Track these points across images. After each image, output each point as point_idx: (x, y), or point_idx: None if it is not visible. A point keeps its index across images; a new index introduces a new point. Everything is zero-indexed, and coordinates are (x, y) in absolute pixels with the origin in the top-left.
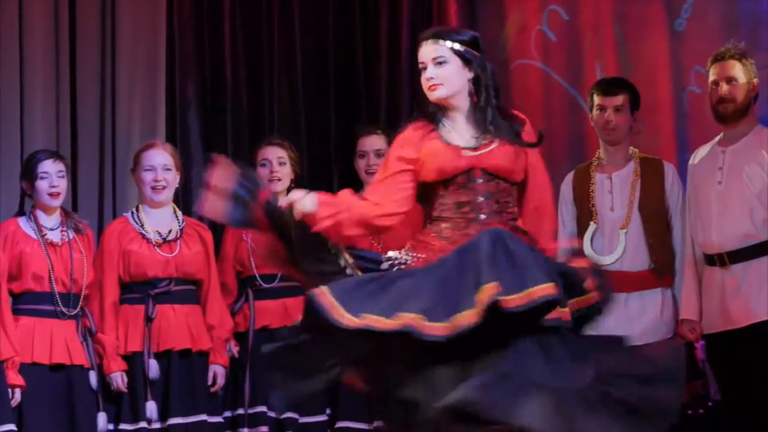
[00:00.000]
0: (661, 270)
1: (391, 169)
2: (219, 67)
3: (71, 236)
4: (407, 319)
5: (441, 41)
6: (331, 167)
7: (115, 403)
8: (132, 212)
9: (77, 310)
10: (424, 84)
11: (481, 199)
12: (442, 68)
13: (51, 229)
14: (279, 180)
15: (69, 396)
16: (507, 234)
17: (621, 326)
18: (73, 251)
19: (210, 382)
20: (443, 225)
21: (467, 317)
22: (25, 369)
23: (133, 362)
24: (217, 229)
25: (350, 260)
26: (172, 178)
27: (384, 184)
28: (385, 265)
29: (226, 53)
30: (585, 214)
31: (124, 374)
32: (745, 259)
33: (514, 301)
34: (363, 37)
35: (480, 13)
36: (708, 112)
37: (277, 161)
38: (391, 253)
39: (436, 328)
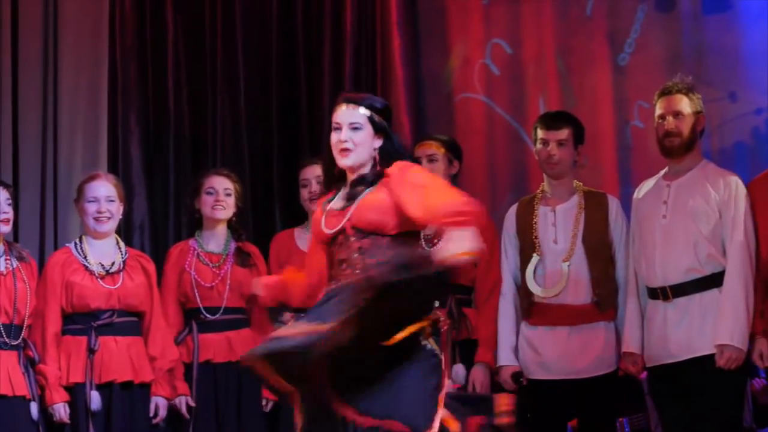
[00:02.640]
0: (603, 303)
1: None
2: (162, 97)
3: (15, 265)
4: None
5: (360, 107)
6: (273, 196)
7: None
8: (75, 243)
9: (19, 340)
10: (336, 144)
11: (355, 255)
12: (356, 134)
13: None
14: (223, 209)
15: (11, 427)
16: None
17: (564, 360)
18: (17, 281)
19: (152, 414)
20: (332, 282)
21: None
22: None
23: (75, 393)
24: (159, 260)
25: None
26: (116, 209)
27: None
28: None
29: (168, 83)
30: (528, 246)
31: (67, 405)
32: (688, 293)
33: None
34: (306, 68)
35: (424, 47)
36: (651, 146)
37: (224, 191)
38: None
39: None
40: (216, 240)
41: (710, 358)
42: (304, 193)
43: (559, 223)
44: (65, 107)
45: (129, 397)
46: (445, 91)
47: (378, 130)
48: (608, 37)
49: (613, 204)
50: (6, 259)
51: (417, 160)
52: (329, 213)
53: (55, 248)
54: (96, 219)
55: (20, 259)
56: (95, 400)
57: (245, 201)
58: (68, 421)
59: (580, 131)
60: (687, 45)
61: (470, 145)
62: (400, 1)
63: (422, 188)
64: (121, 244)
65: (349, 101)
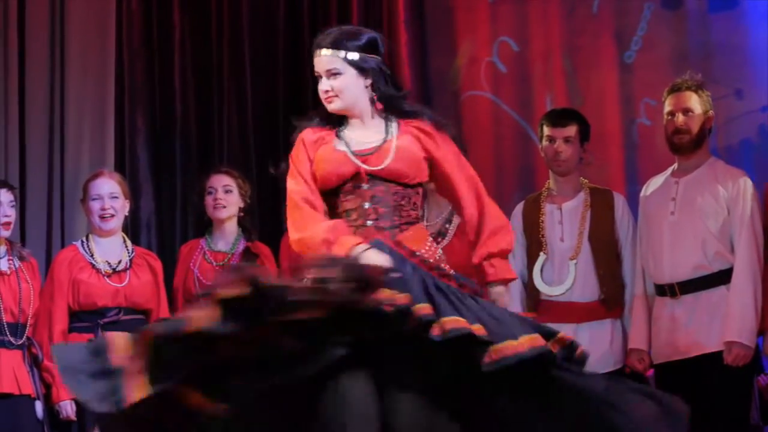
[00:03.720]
0: (610, 301)
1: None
2: (168, 97)
3: (17, 265)
4: None
5: (335, 51)
6: (280, 196)
7: None
8: (82, 241)
9: (24, 339)
10: (321, 95)
11: (367, 204)
12: (337, 80)
13: None
14: (224, 207)
15: (16, 426)
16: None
17: None
18: (21, 280)
19: None
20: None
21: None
22: None
23: None
24: (166, 259)
25: None
26: (120, 206)
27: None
28: None
29: (175, 83)
30: (535, 244)
31: (73, 402)
32: (695, 290)
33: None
34: (312, 68)
35: (431, 45)
36: (658, 143)
37: (223, 189)
38: None
39: None
40: (225, 239)
41: (718, 355)
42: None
43: (565, 221)
44: (72, 107)
45: None
46: (452, 89)
47: (362, 70)
48: (615, 35)
49: (620, 201)
50: (9, 259)
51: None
52: (337, 154)
53: (62, 247)
54: (101, 216)
55: (21, 258)
56: None
57: (252, 200)
58: (75, 419)
59: (586, 128)
60: (693, 43)
61: (477, 143)
62: None
63: (474, 182)
64: (128, 242)
65: (322, 46)
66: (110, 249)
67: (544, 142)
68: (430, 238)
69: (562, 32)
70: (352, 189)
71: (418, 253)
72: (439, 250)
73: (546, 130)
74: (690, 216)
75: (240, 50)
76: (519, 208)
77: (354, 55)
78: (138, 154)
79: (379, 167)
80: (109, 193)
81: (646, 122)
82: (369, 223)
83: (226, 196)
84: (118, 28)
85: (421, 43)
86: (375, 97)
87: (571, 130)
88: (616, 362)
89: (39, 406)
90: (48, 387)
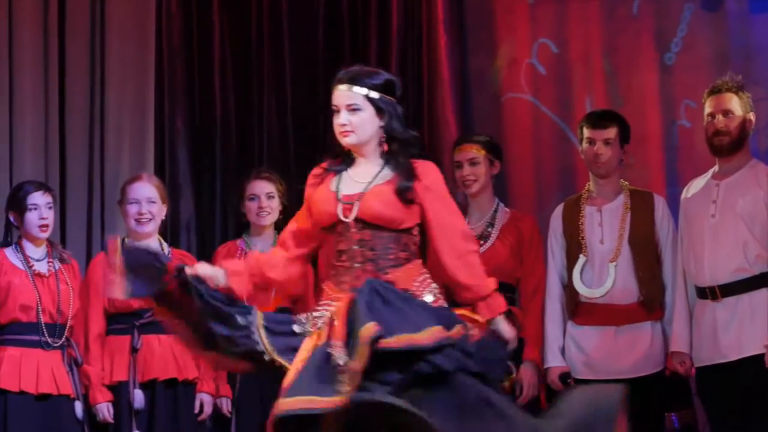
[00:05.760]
0: (650, 303)
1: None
2: (208, 97)
3: (57, 267)
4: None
5: (356, 87)
6: None
7: None
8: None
9: (63, 340)
10: (336, 128)
11: (355, 247)
12: (356, 115)
13: (38, 260)
14: (268, 214)
15: (55, 426)
16: (379, 283)
17: (610, 359)
18: (60, 282)
19: (197, 411)
20: (331, 272)
21: (355, 363)
22: (12, 399)
23: (119, 392)
24: (206, 260)
25: (259, 320)
26: (157, 211)
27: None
28: (296, 328)
29: (215, 84)
30: (574, 246)
31: (110, 405)
32: (736, 293)
33: (394, 342)
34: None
35: (470, 46)
36: (698, 145)
37: (266, 196)
38: (299, 317)
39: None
40: (263, 242)
41: (759, 358)
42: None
43: (605, 223)
44: (112, 109)
45: (173, 395)
46: (492, 91)
47: (379, 109)
48: (655, 37)
49: (660, 203)
50: (48, 261)
51: (424, 149)
52: (330, 195)
53: (102, 249)
54: (137, 220)
55: (62, 260)
56: (138, 398)
57: (291, 203)
58: (112, 421)
59: (626, 130)
60: (734, 44)
61: (517, 145)
62: (447, 0)
63: (462, 236)
64: (164, 244)
65: (344, 81)
66: None
67: (584, 144)
68: (423, 275)
69: (602, 34)
70: (342, 231)
71: (408, 292)
72: (433, 284)
73: (586, 132)
74: (731, 218)
75: (280, 51)
76: (559, 210)
77: (374, 94)
78: (178, 155)
79: (357, 215)
80: (147, 197)
81: (687, 124)
82: (356, 265)
83: (270, 203)
84: (158, 29)
85: (461, 45)
86: (383, 138)
87: (611, 132)
88: (657, 365)
89: (79, 407)
90: (86, 389)
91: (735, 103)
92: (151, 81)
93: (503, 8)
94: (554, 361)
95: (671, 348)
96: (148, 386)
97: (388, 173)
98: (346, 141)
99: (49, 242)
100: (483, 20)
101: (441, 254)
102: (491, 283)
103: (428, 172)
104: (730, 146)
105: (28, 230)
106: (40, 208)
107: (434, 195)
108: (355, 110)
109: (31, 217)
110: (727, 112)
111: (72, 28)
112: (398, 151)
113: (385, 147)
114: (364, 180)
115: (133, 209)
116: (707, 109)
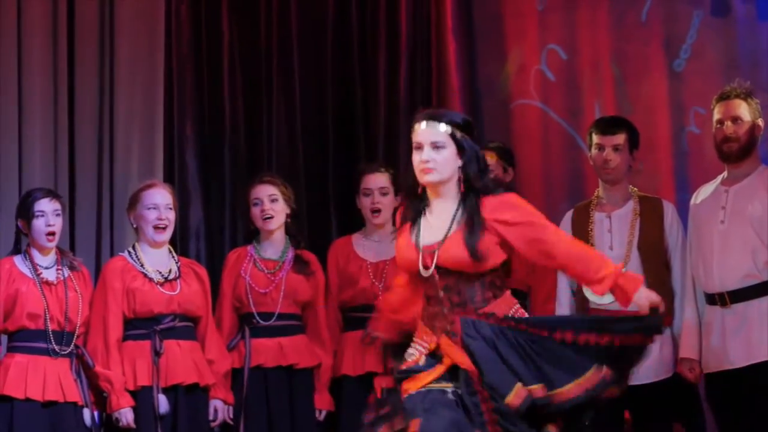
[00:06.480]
0: None
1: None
2: (217, 104)
3: (66, 275)
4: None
5: (441, 125)
6: (329, 206)
7: None
8: (129, 252)
9: (71, 348)
10: (418, 165)
11: (441, 293)
12: (440, 153)
13: (46, 268)
14: (272, 217)
15: None
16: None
17: None
18: (68, 290)
19: (211, 417)
20: (424, 314)
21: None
22: (18, 406)
23: (141, 398)
24: (215, 268)
25: None
26: (174, 218)
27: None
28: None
29: (224, 91)
30: None
31: (132, 410)
32: (746, 299)
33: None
34: (361, 76)
35: (479, 53)
36: (707, 152)
37: (269, 199)
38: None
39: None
40: (273, 247)
41: None
42: (366, 202)
43: (614, 230)
44: (121, 116)
45: (193, 400)
46: (501, 98)
47: (461, 148)
48: (664, 43)
49: (669, 209)
50: (57, 269)
51: (510, 187)
52: (410, 245)
53: (112, 256)
54: (156, 227)
55: (72, 268)
56: (163, 403)
57: (301, 208)
58: (134, 426)
59: (636, 136)
60: (743, 50)
61: (526, 152)
62: (455, 7)
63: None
64: (174, 252)
65: (428, 118)
66: (158, 259)
67: (593, 150)
68: (515, 306)
69: (611, 40)
70: (427, 278)
71: (509, 316)
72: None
73: (595, 138)
74: (740, 224)
75: (289, 58)
76: (568, 216)
77: (458, 133)
78: (187, 162)
79: (438, 264)
80: (165, 204)
81: (696, 131)
82: (445, 310)
83: (273, 206)
84: (167, 36)
85: (470, 52)
86: (461, 178)
87: (620, 138)
88: (666, 371)
89: (87, 414)
90: (100, 396)
91: (744, 110)
92: (160, 88)
93: (512, 15)
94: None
95: (680, 354)
96: (170, 391)
97: (460, 216)
98: (427, 178)
99: (59, 249)
100: (492, 27)
101: (560, 272)
102: (609, 265)
103: (506, 206)
104: (739, 152)
105: (36, 237)
106: (48, 215)
107: (516, 228)
108: (440, 148)
109: (38, 224)
110: (735, 119)
111: (81, 34)
112: (471, 191)
113: (462, 188)
114: (442, 227)
115: (152, 215)
116: (716, 116)
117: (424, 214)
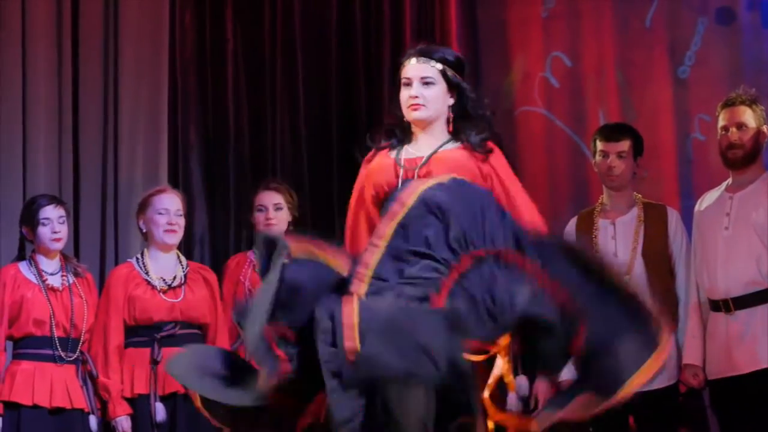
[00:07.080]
0: (663, 316)
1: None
2: (221, 109)
3: (71, 281)
4: None
5: (432, 61)
6: (333, 211)
7: None
8: (137, 258)
9: (76, 354)
10: (405, 101)
11: None
12: (429, 89)
13: (51, 274)
14: (275, 225)
15: None
16: None
17: None
18: (74, 296)
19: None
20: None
21: None
22: (25, 412)
23: (139, 405)
24: (219, 274)
25: None
26: (183, 225)
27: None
28: None
29: (228, 96)
30: None
31: (129, 418)
32: (750, 306)
33: None
34: (365, 81)
35: (483, 60)
36: (712, 159)
37: (273, 207)
38: None
39: None
40: None
41: None
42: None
43: (618, 237)
44: (126, 122)
45: (191, 408)
46: (506, 105)
47: (451, 86)
48: (668, 50)
49: (673, 216)
50: (62, 275)
51: (497, 135)
52: (392, 163)
53: (116, 262)
54: (166, 231)
55: (76, 274)
56: (160, 411)
57: (305, 213)
58: None
59: (640, 143)
60: (747, 57)
61: (530, 159)
62: (460, 14)
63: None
64: (182, 258)
65: (419, 54)
66: (166, 265)
67: (598, 157)
68: None
69: (615, 47)
70: None
71: None
72: None
73: (599, 145)
74: (744, 231)
75: (293, 64)
76: (572, 223)
77: (449, 71)
78: (191, 168)
79: (421, 176)
80: (176, 209)
81: (701, 137)
82: None
83: (276, 214)
84: (172, 42)
85: (474, 59)
86: (450, 117)
87: (625, 145)
88: (670, 378)
89: (93, 420)
90: (103, 403)
91: (749, 116)
92: (164, 94)
93: (517, 22)
94: (568, 374)
95: (684, 361)
96: (168, 399)
97: (454, 144)
98: (414, 115)
99: (64, 256)
100: (496, 34)
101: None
102: None
103: (495, 154)
104: (743, 159)
105: (41, 244)
106: (53, 222)
107: (498, 177)
108: (429, 84)
109: (44, 231)
110: (740, 125)
111: (85, 40)
112: (468, 130)
113: (450, 128)
114: (428, 148)
115: (163, 219)
116: (721, 122)
117: (404, 144)
